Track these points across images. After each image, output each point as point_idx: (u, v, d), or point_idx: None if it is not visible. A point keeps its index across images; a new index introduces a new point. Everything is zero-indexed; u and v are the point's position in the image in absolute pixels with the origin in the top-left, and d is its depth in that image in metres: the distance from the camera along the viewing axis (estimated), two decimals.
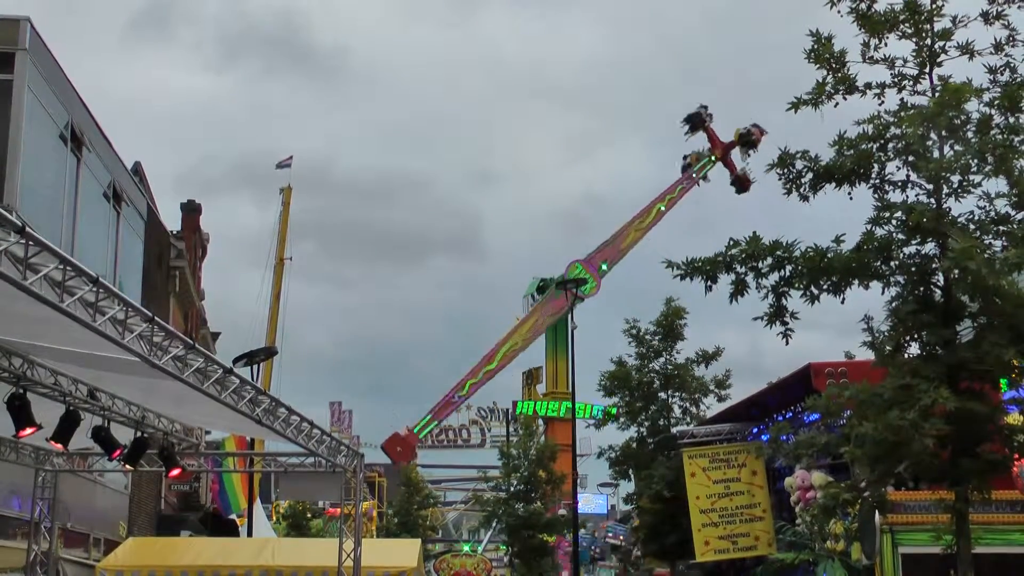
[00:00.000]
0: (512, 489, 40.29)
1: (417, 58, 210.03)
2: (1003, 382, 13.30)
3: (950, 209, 13.01)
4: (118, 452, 14.15)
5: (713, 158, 55.21)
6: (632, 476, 30.64)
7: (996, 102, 13.04)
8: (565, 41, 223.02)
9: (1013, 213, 12.91)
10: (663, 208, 57.81)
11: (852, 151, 13.20)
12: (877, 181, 13.38)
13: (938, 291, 13.06)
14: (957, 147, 12.94)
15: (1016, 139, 12.88)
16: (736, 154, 54.54)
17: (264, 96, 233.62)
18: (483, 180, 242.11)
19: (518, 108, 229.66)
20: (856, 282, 13.20)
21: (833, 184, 13.45)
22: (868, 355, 13.87)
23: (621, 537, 53.46)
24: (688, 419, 29.21)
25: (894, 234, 13.12)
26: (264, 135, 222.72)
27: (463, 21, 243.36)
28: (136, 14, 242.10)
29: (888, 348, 13.19)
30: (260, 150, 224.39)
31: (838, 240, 13.14)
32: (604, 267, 60.34)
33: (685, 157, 55.69)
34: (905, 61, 13.50)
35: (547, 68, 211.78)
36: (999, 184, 12.91)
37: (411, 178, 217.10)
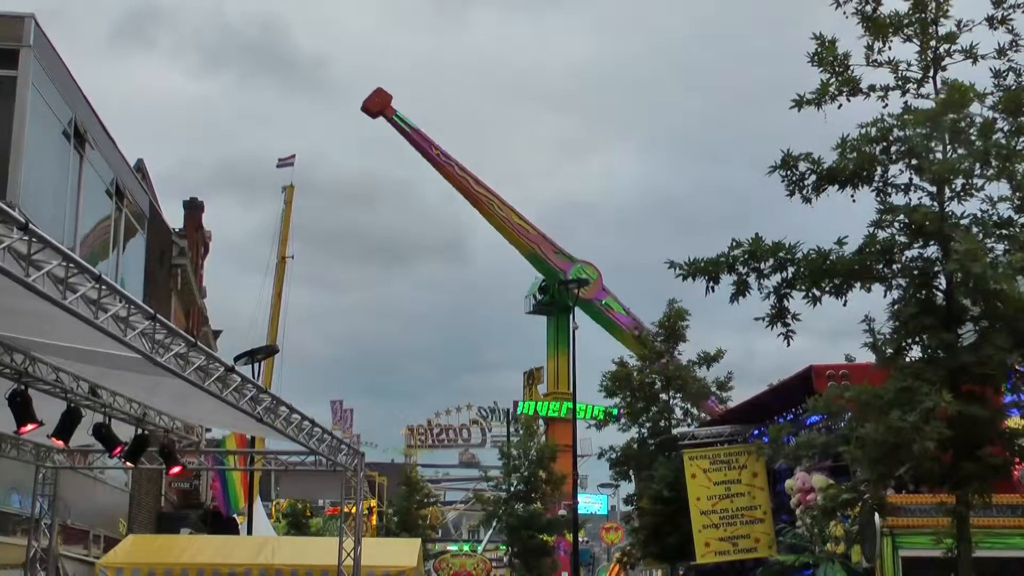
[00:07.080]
0: (512, 489, 40.32)
1: (403, 62, 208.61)
2: (1005, 386, 13.28)
3: (953, 212, 13.00)
4: (119, 449, 14.20)
5: None
6: (632, 477, 30.66)
7: (1000, 106, 13.03)
8: (554, 45, 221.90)
9: (1016, 217, 12.90)
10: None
11: (855, 154, 13.18)
12: (880, 184, 13.36)
13: (940, 294, 13.05)
14: (960, 150, 12.93)
15: (1019, 143, 12.86)
16: None
17: (248, 101, 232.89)
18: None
19: (507, 112, 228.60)
20: (858, 284, 13.20)
21: (836, 186, 13.44)
22: (869, 357, 13.85)
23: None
24: (689, 420, 29.21)
25: (896, 237, 13.10)
26: (248, 140, 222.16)
27: (451, 25, 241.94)
28: (120, 21, 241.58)
29: (889, 351, 13.18)
30: (245, 155, 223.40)
31: (840, 242, 13.12)
32: (608, 301, 61.71)
33: None
34: (909, 64, 13.49)
35: (536, 73, 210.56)
36: (1002, 188, 12.91)
37: (397, 182, 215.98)
